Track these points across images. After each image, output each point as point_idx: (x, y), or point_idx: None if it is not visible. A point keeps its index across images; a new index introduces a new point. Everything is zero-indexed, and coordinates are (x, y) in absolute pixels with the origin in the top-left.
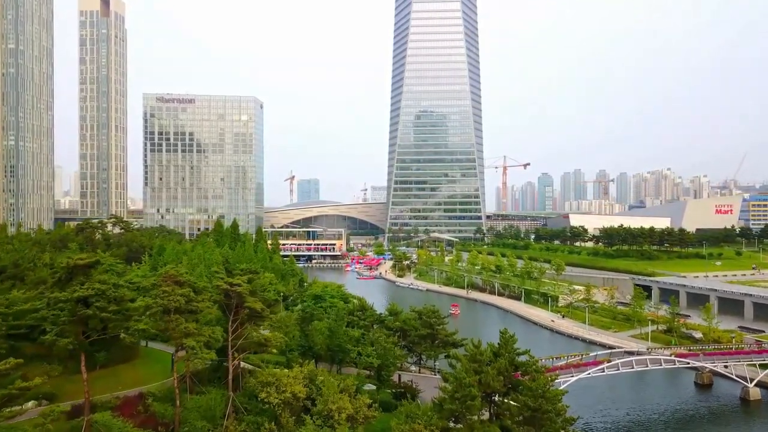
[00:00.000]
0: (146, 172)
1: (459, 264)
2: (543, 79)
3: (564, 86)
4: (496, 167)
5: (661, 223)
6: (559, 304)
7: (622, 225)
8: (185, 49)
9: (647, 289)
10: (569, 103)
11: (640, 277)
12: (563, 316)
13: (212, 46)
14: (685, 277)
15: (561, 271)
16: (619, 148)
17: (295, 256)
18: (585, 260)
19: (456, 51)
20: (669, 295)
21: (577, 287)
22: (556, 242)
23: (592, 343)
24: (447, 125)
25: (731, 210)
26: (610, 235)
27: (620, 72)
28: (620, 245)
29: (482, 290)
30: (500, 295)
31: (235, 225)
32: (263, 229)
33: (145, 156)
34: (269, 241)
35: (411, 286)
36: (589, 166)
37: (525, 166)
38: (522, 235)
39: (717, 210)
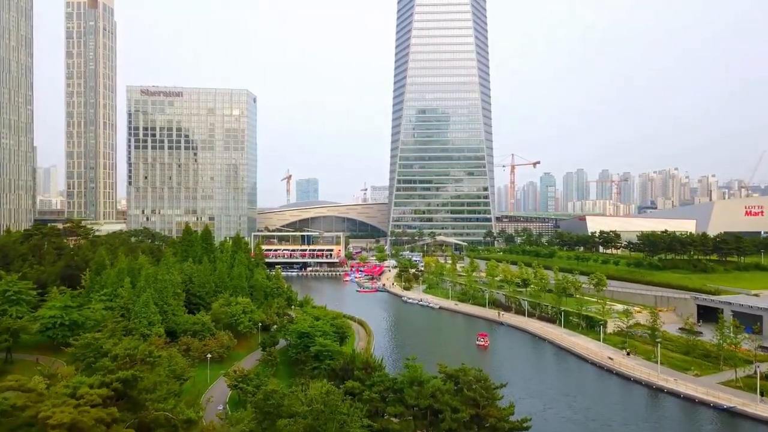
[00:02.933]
0: (130, 171)
1: (474, 274)
2: (543, 79)
3: (562, 86)
4: (504, 166)
5: (686, 225)
6: (608, 331)
7: (665, 230)
8: (179, 46)
9: (714, 311)
10: (569, 102)
11: (704, 296)
12: (628, 353)
13: (208, 42)
14: (757, 295)
15: (603, 287)
16: (620, 147)
17: (287, 263)
18: (625, 272)
19: (464, 40)
20: (745, 320)
21: (632, 308)
22: (579, 248)
23: (671, 393)
24: (454, 120)
25: (762, 212)
26: (652, 243)
27: (621, 72)
28: (663, 254)
29: (506, 309)
30: (530, 316)
31: (206, 232)
32: (254, 233)
33: (129, 153)
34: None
35: (421, 303)
36: (590, 166)
37: (535, 164)
38: (534, 239)
39: (747, 212)
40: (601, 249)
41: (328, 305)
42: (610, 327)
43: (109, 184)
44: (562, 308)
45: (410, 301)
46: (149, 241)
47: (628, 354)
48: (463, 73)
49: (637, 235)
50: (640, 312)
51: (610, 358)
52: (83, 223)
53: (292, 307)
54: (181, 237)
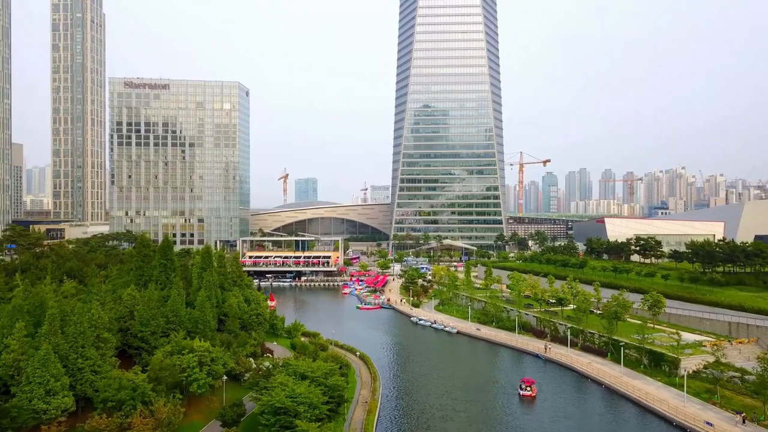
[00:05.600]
0: (113, 169)
1: (493, 286)
2: (541, 76)
3: (560, 85)
4: (511, 164)
5: (714, 228)
6: (681, 373)
7: (691, 233)
8: (171, 43)
9: None
10: (568, 101)
11: None
12: (744, 419)
13: (203, 39)
14: None
15: (660, 309)
16: (619, 147)
17: (279, 272)
18: (678, 289)
19: (472, 28)
20: None
21: (704, 339)
22: (605, 257)
23: None
24: (461, 114)
25: None
26: (708, 253)
27: (621, 72)
28: (720, 266)
29: (539, 335)
30: (572, 346)
31: (166, 243)
32: (242, 238)
33: (112, 150)
34: (248, 253)
35: (434, 325)
36: (591, 165)
37: (545, 162)
38: (558, 246)
39: None
40: (626, 257)
41: (322, 331)
42: (685, 366)
43: (98, 184)
44: (616, 338)
45: (421, 322)
46: (132, 246)
47: (744, 420)
48: (471, 63)
49: (685, 243)
50: (717, 345)
51: (708, 423)
52: (64, 224)
53: (276, 341)
54: (135, 249)
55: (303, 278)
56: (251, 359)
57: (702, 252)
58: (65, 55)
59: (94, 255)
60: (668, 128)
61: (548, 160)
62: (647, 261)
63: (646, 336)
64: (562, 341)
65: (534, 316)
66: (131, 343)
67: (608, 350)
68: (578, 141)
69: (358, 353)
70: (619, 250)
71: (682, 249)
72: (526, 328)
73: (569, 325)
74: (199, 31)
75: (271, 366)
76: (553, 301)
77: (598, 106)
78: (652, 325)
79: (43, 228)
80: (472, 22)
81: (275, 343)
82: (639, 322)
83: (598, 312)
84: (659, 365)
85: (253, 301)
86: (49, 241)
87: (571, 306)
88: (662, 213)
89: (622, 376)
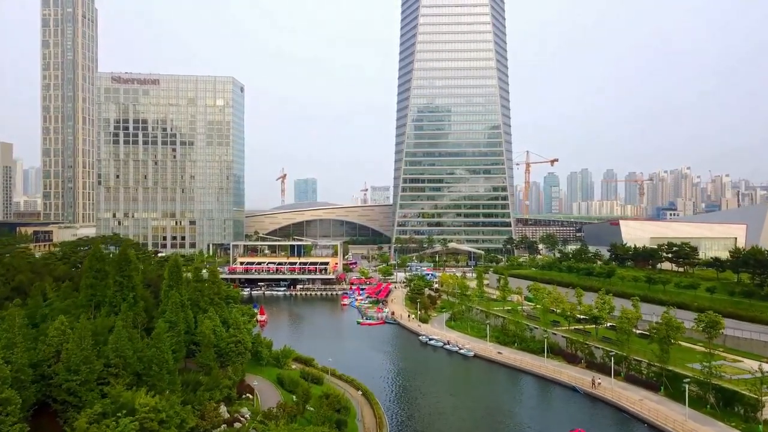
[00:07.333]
0: (100, 169)
1: (510, 298)
2: (541, 74)
3: (558, 84)
4: (517, 164)
5: (735, 231)
6: (764, 416)
7: (732, 242)
8: (165, 40)
9: None
10: (568, 101)
11: None
12: None
13: (199, 38)
14: None
15: (717, 331)
16: (617, 146)
17: (273, 279)
18: (728, 304)
19: (479, 18)
20: None
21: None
22: (629, 263)
23: None
24: (467, 110)
25: None
26: (760, 262)
27: (619, 71)
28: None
29: (570, 359)
30: (616, 376)
31: (123, 256)
32: (233, 242)
33: (98, 149)
34: (239, 259)
35: (447, 346)
36: (590, 165)
37: (552, 162)
38: (577, 252)
39: None
40: (653, 265)
41: (317, 354)
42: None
43: (89, 184)
44: (672, 369)
45: (431, 342)
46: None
47: None
48: (478, 56)
49: (729, 250)
50: None
51: None
52: (52, 226)
53: (260, 372)
54: (87, 263)
55: (299, 287)
56: (223, 407)
57: (752, 260)
58: (55, 52)
59: (56, 265)
60: (666, 127)
61: (556, 160)
62: (680, 269)
63: (711, 366)
64: (599, 368)
65: (563, 336)
66: (57, 397)
67: (660, 383)
68: (581, 141)
69: (360, 390)
70: (649, 256)
71: (704, 253)
72: (554, 351)
73: (612, 350)
74: (199, 30)
75: (249, 415)
76: (582, 317)
77: (598, 104)
78: (708, 351)
79: (30, 230)
80: (479, 12)
81: (256, 381)
82: (689, 345)
83: (637, 332)
84: (730, 404)
85: (233, 325)
86: (32, 245)
87: (607, 324)
88: (670, 214)
89: (687, 421)
